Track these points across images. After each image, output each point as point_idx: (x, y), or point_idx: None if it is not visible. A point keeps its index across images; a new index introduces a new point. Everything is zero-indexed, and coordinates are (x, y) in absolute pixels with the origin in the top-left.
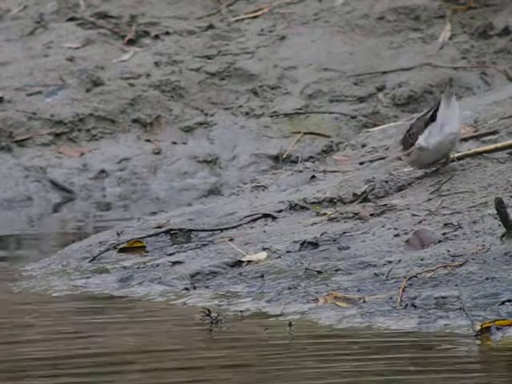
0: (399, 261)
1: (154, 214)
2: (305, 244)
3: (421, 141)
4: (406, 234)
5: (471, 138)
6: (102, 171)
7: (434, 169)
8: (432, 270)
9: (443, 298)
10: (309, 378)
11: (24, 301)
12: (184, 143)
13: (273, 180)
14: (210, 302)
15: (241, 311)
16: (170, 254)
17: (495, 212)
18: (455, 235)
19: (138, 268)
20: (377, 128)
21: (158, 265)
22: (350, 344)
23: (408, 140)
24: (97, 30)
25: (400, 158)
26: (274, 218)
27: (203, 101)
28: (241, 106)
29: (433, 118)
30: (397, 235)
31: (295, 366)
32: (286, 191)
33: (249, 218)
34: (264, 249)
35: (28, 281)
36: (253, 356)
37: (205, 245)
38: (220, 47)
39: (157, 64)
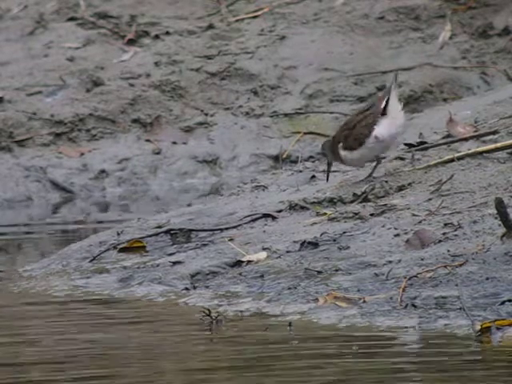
0: (399, 261)
1: (153, 213)
2: (305, 244)
3: (378, 132)
4: (406, 233)
5: (471, 137)
6: (102, 171)
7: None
8: (432, 270)
9: (443, 297)
10: (309, 377)
11: (24, 301)
12: (184, 143)
13: (273, 180)
14: (209, 301)
15: (241, 311)
16: (170, 254)
17: (495, 212)
18: (455, 235)
19: (138, 268)
20: None
21: (158, 265)
22: (350, 344)
23: (352, 136)
24: (97, 29)
25: (337, 156)
26: (273, 217)
27: (203, 101)
28: (241, 106)
29: (384, 112)
30: (397, 235)
31: (295, 366)
32: (286, 191)
33: (249, 218)
34: (264, 249)
35: (28, 281)
36: (253, 356)
37: (205, 245)
38: (220, 47)
39: (157, 64)
